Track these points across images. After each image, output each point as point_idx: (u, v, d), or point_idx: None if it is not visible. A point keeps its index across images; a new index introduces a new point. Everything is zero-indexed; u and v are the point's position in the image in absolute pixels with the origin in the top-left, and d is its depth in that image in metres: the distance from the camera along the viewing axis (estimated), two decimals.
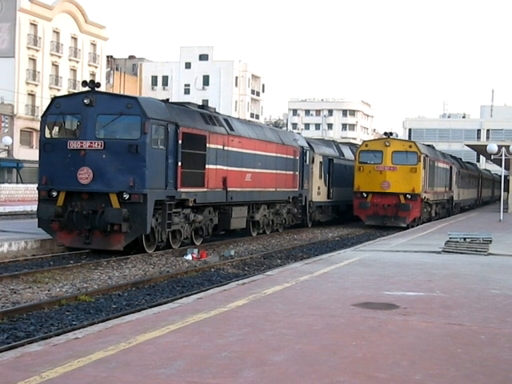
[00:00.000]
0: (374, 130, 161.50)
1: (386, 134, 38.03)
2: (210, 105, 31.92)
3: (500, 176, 52.84)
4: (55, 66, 77.31)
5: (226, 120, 25.31)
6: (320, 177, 36.24)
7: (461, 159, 58.82)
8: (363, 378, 6.77)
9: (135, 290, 14.98)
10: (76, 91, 56.05)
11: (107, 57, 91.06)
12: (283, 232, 31.31)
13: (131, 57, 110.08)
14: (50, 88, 75.47)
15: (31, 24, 73.56)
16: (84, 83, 20.30)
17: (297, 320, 9.51)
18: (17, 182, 61.00)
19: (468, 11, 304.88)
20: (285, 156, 30.24)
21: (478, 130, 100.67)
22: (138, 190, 19.41)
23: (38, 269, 17.16)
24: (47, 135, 20.75)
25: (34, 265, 18.18)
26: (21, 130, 71.59)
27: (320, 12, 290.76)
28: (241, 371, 6.86)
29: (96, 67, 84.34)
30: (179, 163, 20.88)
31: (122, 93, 78.26)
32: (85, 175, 19.61)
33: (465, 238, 22.63)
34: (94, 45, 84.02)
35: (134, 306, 13.18)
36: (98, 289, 14.85)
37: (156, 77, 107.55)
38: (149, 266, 18.85)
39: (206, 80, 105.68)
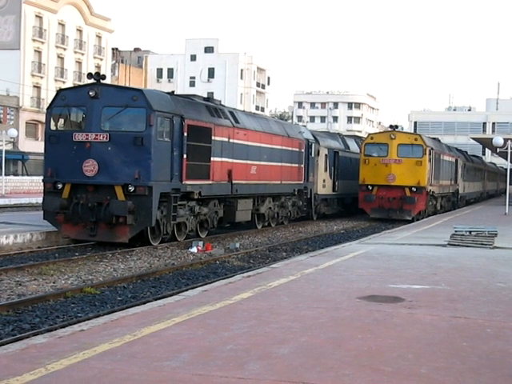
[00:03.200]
0: (380, 122, 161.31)
1: (391, 126, 37.97)
2: (215, 97, 31.94)
3: (505, 169, 52.72)
4: (60, 58, 77.31)
5: (231, 112, 25.28)
6: (325, 169, 36.20)
7: (466, 152, 58.67)
8: (368, 371, 6.75)
9: (140, 283, 14.99)
10: (81, 83, 56.03)
11: (112, 49, 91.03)
12: (288, 225, 31.30)
13: (136, 49, 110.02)
14: (56, 80, 75.50)
15: (36, 16, 73.52)
16: (89, 75, 20.29)
17: (302, 313, 9.50)
18: (22, 175, 61.12)
19: (474, 3, 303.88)
20: (290, 149, 30.19)
21: (484, 123, 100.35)
22: (144, 183, 19.41)
23: (43, 261, 17.19)
24: (52, 127, 20.74)
25: (39, 257, 18.21)
26: (26, 122, 71.66)
27: (326, 4, 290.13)
28: (246, 364, 6.85)
29: (101, 59, 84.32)
30: (184, 155, 20.88)
31: (127, 85, 78.21)
32: (90, 167, 19.62)
33: (470, 232, 22.58)
34: (99, 37, 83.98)
35: (139, 298, 13.19)
36: (103, 281, 14.87)
37: (161, 69, 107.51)
38: (154, 258, 18.86)
39: (211, 72, 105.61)
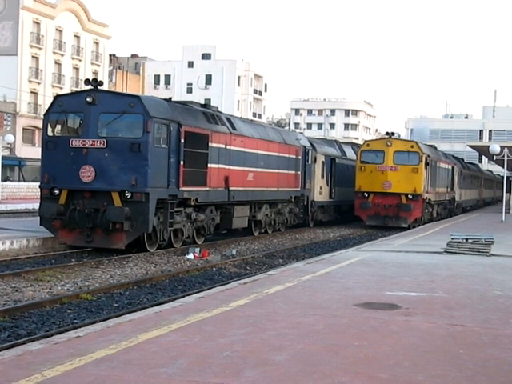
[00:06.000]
0: (377, 130, 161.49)
1: (387, 133, 37.99)
2: (212, 104, 31.90)
3: (502, 177, 52.82)
4: (58, 64, 77.33)
5: (228, 119, 25.30)
6: (322, 176, 36.22)
7: (463, 160, 58.75)
8: (365, 378, 6.75)
9: (137, 289, 14.97)
10: (78, 89, 56.05)
11: (110, 55, 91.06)
12: (285, 231, 31.30)
13: (134, 55, 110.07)
14: (53, 86, 75.50)
15: (34, 22, 73.56)
16: (87, 81, 20.30)
17: (299, 320, 9.49)
18: (19, 180, 61.04)
19: (471, 11, 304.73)
20: (287, 155, 30.22)
21: (481, 131, 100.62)
22: (140, 189, 19.40)
23: (39, 267, 17.16)
24: (50, 133, 20.74)
25: (35, 263, 18.18)
26: (23, 128, 71.62)
27: (323, 11, 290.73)
28: (242, 371, 6.85)
29: (99, 66, 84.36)
30: (181, 162, 20.88)
31: (124, 91, 78.21)
32: (87, 173, 19.61)
33: (467, 239, 22.60)
34: (96, 43, 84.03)
35: (135, 304, 13.17)
36: (99, 287, 14.85)
37: (158, 76, 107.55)
38: (150, 264, 18.84)
39: (208, 79, 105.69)
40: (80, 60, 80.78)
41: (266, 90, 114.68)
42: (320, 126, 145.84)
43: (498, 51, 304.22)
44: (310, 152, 33.30)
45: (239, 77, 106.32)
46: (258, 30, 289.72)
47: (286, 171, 30.05)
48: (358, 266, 16.26)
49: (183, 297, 12.27)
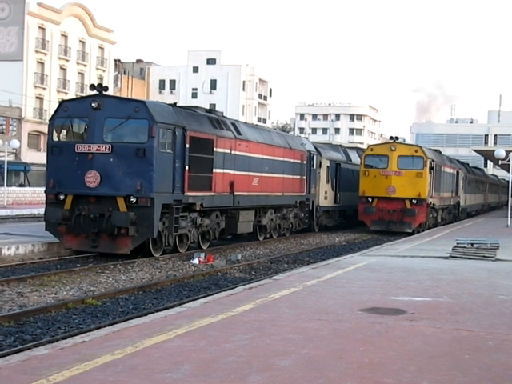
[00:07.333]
0: (382, 134, 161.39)
1: (391, 138, 37.87)
2: (217, 109, 31.95)
3: (507, 181, 52.74)
4: (63, 69, 77.53)
5: (233, 124, 25.32)
6: (327, 181, 36.20)
7: (468, 164, 58.64)
8: (370, 383, 6.75)
9: (142, 294, 14.98)
10: (84, 95, 56.15)
11: (115, 60, 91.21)
12: (290, 236, 31.28)
13: (139, 61, 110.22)
14: (58, 91, 75.68)
15: (39, 27, 73.79)
16: (92, 87, 20.34)
17: (304, 325, 9.49)
18: (24, 185, 61.15)
19: (476, 15, 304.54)
20: (292, 160, 30.22)
21: (486, 136, 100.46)
22: (146, 194, 19.42)
23: (45, 272, 17.18)
24: (55, 138, 20.78)
25: (41, 268, 18.21)
26: (28, 134, 71.78)
27: (328, 17, 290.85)
28: (248, 376, 6.85)
29: (104, 71, 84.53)
30: (186, 167, 20.90)
31: (129, 97, 78.36)
32: (92, 179, 19.64)
33: (472, 244, 22.57)
34: (101, 48, 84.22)
35: (140, 309, 13.18)
36: (104, 292, 14.86)
37: (163, 81, 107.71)
38: (155, 269, 18.85)
39: (213, 84, 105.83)
40: (85, 65, 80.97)
41: (270, 95, 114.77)
42: (325, 130, 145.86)
43: (503, 55, 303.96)
44: (314, 157, 33.29)
45: (244, 82, 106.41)
46: (263, 35, 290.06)
47: (291, 176, 30.05)
48: (363, 270, 16.25)
49: (188, 302, 12.28)
